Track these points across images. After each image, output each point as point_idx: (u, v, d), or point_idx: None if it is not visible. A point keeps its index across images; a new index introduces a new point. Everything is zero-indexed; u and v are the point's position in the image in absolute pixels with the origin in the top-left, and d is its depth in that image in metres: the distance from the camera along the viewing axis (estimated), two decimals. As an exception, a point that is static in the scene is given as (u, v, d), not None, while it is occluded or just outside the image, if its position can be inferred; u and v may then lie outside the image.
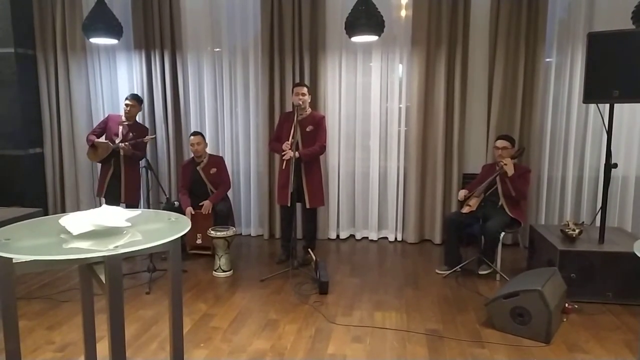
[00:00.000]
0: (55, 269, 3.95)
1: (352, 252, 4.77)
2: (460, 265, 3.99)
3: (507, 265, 4.18)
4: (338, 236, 5.19)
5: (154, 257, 3.94)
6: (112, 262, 1.61)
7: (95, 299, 2.14)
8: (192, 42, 5.09)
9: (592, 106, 4.53)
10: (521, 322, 2.90)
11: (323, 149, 4.22)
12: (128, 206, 4.48)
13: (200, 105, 5.22)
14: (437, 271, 4.09)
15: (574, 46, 4.54)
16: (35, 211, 3.91)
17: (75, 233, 1.70)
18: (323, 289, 3.62)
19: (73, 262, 1.68)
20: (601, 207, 3.58)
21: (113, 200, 4.39)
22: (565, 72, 4.61)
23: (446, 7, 4.59)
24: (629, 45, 3.22)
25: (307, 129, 4.15)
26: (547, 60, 4.63)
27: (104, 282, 1.64)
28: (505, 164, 3.83)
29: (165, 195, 4.60)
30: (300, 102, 4.05)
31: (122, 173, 4.41)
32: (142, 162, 4.38)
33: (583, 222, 4.33)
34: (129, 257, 4.03)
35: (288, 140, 4.03)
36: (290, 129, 4.03)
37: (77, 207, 5.26)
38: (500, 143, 4.02)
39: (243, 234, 5.31)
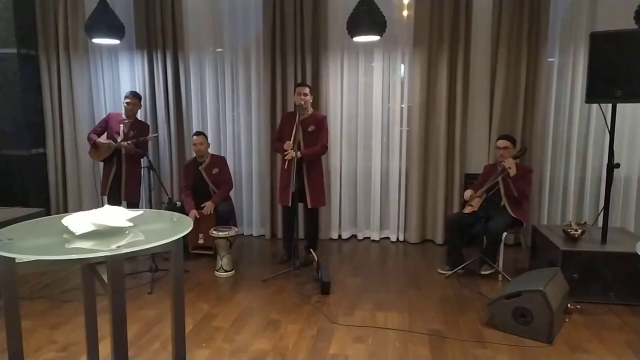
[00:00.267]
0: (58, 268, 3.96)
1: (353, 252, 4.76)
2: (462, 266, 3.98)
3: (510, 265, 4.18)
4: (340, 236, 5.19)
5: (156, 257, 3.95)
6: (114, 262, 1.61)
7: (98, 299, 2.15)
8: (194, 42, 5.10)
9: (595, 106, 4.52)
10: (523, 323, 2.89)
11: (325, 149, 4.22)
12: (129, 204, 4.49)
13: (202, 105, 5.23)
14: (439, 271, 4.08)
15: (576, 46, 4.53)
16: (38, 211, 3.93)
17: (77, 233, 1.70)
18: (325, 289, 3.62)
19: (75, 262, 1.69)
20: (603, 207, 3.58)
21: (115, 199, 4.41)
22: (567, 72, 4.60)
23: (448, 7, 4.59)
24: (632, 45, 3.22)
25: (309, 129, 4.15)
26: (550, 60, 4.62)
27: (106, 282, 1.65)
28: (510, 167, 3.80)
29: (167, 195, 4.60)
30: (302, 102, 4.05)
31: (123, 171, 4.42)
32: (144, 162, 4.39)
33: (585, 223, 4.31)
34: (131, 257, 4.04)
35: (290, 140, 4.04)
36: (292, 129, 4.03)
37: (80, 207, 5.26)
38: (501, 143, 4.01)
39: (245, 234, 5.32)
